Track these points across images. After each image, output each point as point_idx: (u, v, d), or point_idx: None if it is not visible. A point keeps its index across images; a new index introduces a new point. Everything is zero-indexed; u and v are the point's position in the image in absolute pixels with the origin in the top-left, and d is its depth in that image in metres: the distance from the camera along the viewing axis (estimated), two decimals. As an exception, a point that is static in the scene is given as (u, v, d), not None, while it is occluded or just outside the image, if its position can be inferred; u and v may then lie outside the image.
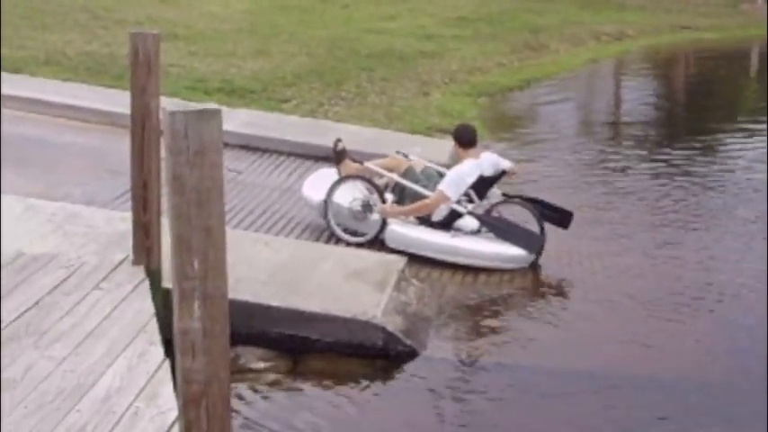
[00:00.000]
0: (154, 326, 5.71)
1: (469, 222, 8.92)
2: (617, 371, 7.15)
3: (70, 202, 8.83)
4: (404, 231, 8.80)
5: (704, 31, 27.96)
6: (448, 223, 8.89)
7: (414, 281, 7.97)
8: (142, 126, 6.48)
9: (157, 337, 5.54)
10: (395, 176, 9.09)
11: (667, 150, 14.02)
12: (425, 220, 8.92)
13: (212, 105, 3.57)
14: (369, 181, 9.00)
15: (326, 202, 8.90)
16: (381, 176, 9.14)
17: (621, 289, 8.56)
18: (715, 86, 21.30)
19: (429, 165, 9.48)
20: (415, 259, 8.48)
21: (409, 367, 6.85)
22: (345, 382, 6.64)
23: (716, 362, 7.37)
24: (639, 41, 26.43)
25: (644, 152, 13.94)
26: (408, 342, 6.96)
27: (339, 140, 9.44)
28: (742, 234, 10.26)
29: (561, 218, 9.13)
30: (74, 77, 13.91)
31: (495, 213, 9.01)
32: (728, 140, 15.02)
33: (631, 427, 6.45)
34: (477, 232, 8.89)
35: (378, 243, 8.79)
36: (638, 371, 7.12)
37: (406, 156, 9.57)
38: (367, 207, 8.92)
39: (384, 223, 8.79)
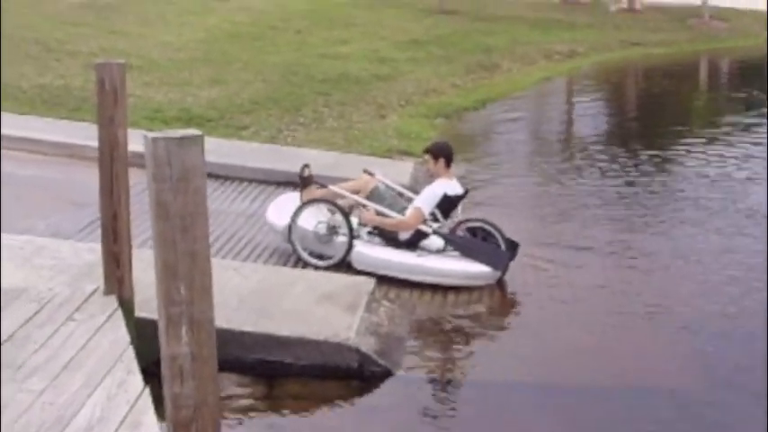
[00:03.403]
0: (131, 354, 5.69)
1: (435, 241, 9.00)
2: (587, 383, 7.23)
3: (35, 235, 8.79)
4: (370, 253, 8.84)
5: (653, 46, 28.36)
6: (414, 243, 8.95)
7: (384, 302, 8.01)
8: (111, 156, 6.47)
9: (135, 366, 5.53)
10: (359, 199, 9.13)
11: (622, 160, 14.22)
12: (392, 241, 8.97)
13: (193, 131, 3.60)
14: (332, 203, 9.03)
15: (291, 226, 8.92)
16: (345, 198, 9.19)
17: (586, 298, 8.72)
18: (665, 99, 21.62)
19: (390, 184, 9.55)
20: (384, 281, 8.51)
21: (385, 387, 6.87)
22: (322, 404, 6.64)
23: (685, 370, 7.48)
24: (590, 58, 26.80)
25: (599, 165, 14.09)
26: (382, 362, 6.98)
27: (306, 166, 9.47)
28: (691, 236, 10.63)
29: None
30: (30, 110, 13.84)
31: (459, 232, 9.07)
32: (680, 151, 15.22)
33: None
34: (441, 251, 8.95)
35: (344, 266, 8.82)
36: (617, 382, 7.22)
37: (372, 174, 9.61)
38: (332, 230, 8.95)
39: (350, 246, 8.82)
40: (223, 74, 18.15)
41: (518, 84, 21.72)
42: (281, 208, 9.35)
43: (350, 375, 6.90)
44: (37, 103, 14.46)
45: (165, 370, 3.66)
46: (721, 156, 14.74)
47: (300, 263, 8.89)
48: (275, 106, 15.80)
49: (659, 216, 11.53)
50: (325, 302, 7.51)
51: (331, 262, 8.88)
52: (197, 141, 3.52)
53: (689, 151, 15.07)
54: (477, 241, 8.98)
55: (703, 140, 16.04)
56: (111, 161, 6.49)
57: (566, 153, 15.71)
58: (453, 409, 6.82)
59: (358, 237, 8.95)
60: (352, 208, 9.20)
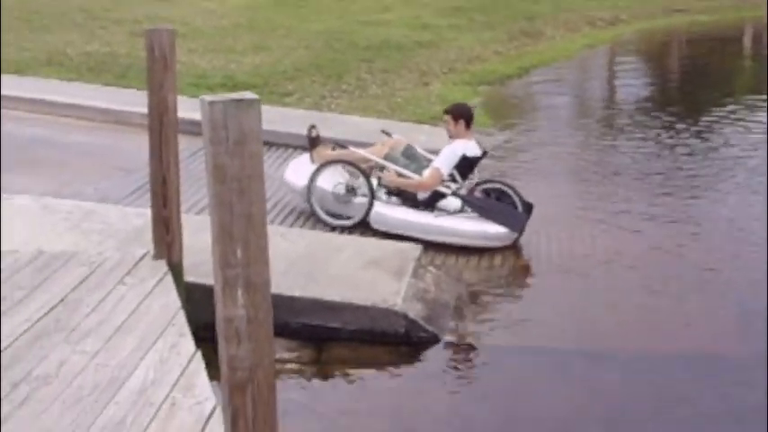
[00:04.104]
0: (182, 318, 5.74)
1: (452, 202, 9.03)
2: (652, 349, 7.19)
3: (83, 200, 8.86)
4: (389, 213, 8.92)
5: (698, 13, 27.99)
6: (431, 203, 9.01)
7: (430, 268, 8.02)
8: (160, 121, 6.51)
9: (187, 329, 5.58)
10: (378, 159, 9.17)
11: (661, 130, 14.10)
12: (409, 201, 9.03)
13: (249, 94, 3.60)
14: (353, 164, 9.09)
15: (309, 187, 8.96)
16: (365, 160, 9.22)
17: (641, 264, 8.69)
18: (709, 68, 21.35)
19: (410, 145, 9.57)
20: (431, 246, 8.52)
21: (432, 353, 6.90)
22: (370, 369, 6.69)
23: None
24: (633, 26, 26.50)
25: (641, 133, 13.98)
26: (430, 328, 7.00)
27: (313, 127, 9.57)
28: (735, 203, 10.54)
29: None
30: (76, 77, 13.93)
31: (476, 194, 9.10)
32: (723, 119, 15.02)
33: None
34: (459, 212, 8.98)
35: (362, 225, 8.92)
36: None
37: (389, 135, 9.74)
38: (351, 190, 9.03)
39: (370, 206, 8.90)
40: (266, 41, 18.14)
41: (561, 51, 21.50)
42: (298, 169, 9.41)
43: (397, 341, 6.93)
44: (83, 70, 14.53)
45: (220, 332, 3.67)
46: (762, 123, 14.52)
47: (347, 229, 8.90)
48: (318, 73, 15.78)
49: (706, 180, 11.43)
50: (372, 268, 7.54)
51: (350, 222, 8.97)
52: (253, 105, 3.53)
53: (732, 118, 14.87)
54: (494, 202, 9.00)
55: (745, 108, 15.80)
56: (161, 126, 6.54)
57: (609, 121, 15.57)
58: (498, 374, 6.81)
59: (376, 197, 9.02)
60: (371, 169, 9.24)
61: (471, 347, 7.11)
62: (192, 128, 10.34)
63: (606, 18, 26.55)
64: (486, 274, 8.38)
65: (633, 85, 19.21)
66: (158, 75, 6.45)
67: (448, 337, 7.09)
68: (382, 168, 9.19)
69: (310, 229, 8.87)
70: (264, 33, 18.95)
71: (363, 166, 9.14)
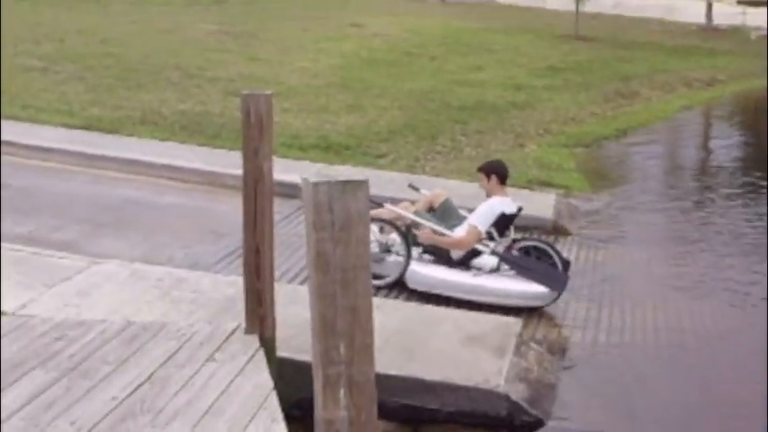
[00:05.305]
0: (274, 401, 5.43)
1: (488, 260, 8.73)
2: None
3: (173, 265, 8.68)
4: (426, 272, 8.67)
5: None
6: (466, 261, 8.73)
7: (532, 344, 7.62)
8: (255, 189, 6.24)
9: (279, 414, 5.27)
10: (413, 216, 8.90)
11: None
12: (443, 258, 8.76)
13: (357, 175, 3.30)
14: (391, 223, 8.85)
15: None
16: (400, 216, 8.98)
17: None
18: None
19: (449, 199, 9.39)
20: (531, 320, 8.15)
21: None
22: (470, 454, 6.32)
23: None
24: (731, 86, 25.97)
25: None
26: (533, 411, 6.59)
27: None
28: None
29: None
30: (170, 137, 13.86)
31: (513, 252, 8.75)
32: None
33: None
34: (495, 270, 8.67)
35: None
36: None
37: (416, 189, 9.66)
38: (385, 248, 8.78)
39: (407, 264, 8.65)
40: (360, 100, 17.98)
41: (658, 112, 21.09)
42: None
43: (499, 424, 6.53)
44: (176, 129, 14.46)
45: (320, 435, 3.36)
46: None
47: (445, 300, 8.54)
48: (412, 134, 15.53)
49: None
50: (472, 344, 7.17)
51: (384, 282, 8.69)
52: (362, 187, 3.23)
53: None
54: (534, 261, 8.67)
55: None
56: (255, 195, 6.27)
57: (707, 186, 15.05)
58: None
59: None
60: (407, 227, 8.96)
61: (578, 433, 6.68)
62: (285, 189, 10.25)
63: (703, 78, 26.12)
64: (590, 349, 7.95)
65: (730, 146, 18.70)
66: (254, 141, 6.20)
67: (552, 422, 6.66)
68: (417, 226, 8.91)
69: (405, 300, 8.53)
70: (358, 93, 18.80)
71: (399, 223, 8.89)
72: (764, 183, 14.37)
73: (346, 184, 3.21)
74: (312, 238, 3.24)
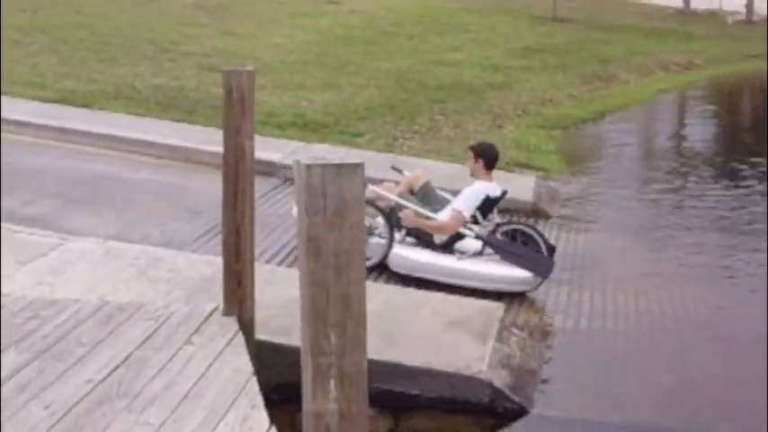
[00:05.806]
0: (254, 386, 5.28)
1: (472, 244, 8.60)
2: None
3: (149, 243, 8.50)
4: (409, 255, 8.51)
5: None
6: (449, 245, 8.60)
7: (514, 329, 7.50)
8: (236, 168, 6.07)
9: (260, 400, 5.11)
10: (397, 199, 8.75)
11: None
12: (426, 241, 8.63)
13: (353, 158, 3.15)
14: (374, 205, 8.67)
15: None
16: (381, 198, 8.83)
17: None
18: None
19: (429, 182, 9.24)
20: (512, 305, 8.03)
21: (519, 426, 6.37)
22: (452, 441, 6.20)
23: None
24: (708, 70, 25.99)
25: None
26: (516, 398, 6.48)
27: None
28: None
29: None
30: (145, 111, 13.64)
31: (497, 235, 8.62)
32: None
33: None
34: (479, 254, 8.54)
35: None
36: None
37: (399, 171, 9.51)
38: (368, 231, 8.61)
39: (390, 247, 8.51)
40: (336, 78, 17.79)
41: (636, 95, 21.06)
42: None
43: (480, 411, 6.41)
44: (151, 103, 14.22)
45: (307, 428, 3.22)
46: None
47: (425, 283, 8.40)
48: (390, 113, 15.38)
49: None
50: (453, 329, 7.04)
51: (368, 263, 8.41)
52: (357, 171, 3.08)
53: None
54: (520, 246, 8.55)
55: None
56: (236, 174, 6.10)
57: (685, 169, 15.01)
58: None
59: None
60: (392, 209, 8.80)
61: (560, 421, 6.56)
62: (262, 167, 10.08)
63: (680, 62, 26.12)
64: (571, 336, 7.86)
65: (706, 130, 18.71)
66: (236, 119, 6.03)
67: (535, 410, 6.55)
68: (401, 208, 8.76)
69: (385, 282, 8.39)
70: (334, 71, 18.61)
71: (382, 204, 8.74)
72: (741, 166, 14.37)
73: (341, 167, 3.07)
74: (304, 222, 3.09)
